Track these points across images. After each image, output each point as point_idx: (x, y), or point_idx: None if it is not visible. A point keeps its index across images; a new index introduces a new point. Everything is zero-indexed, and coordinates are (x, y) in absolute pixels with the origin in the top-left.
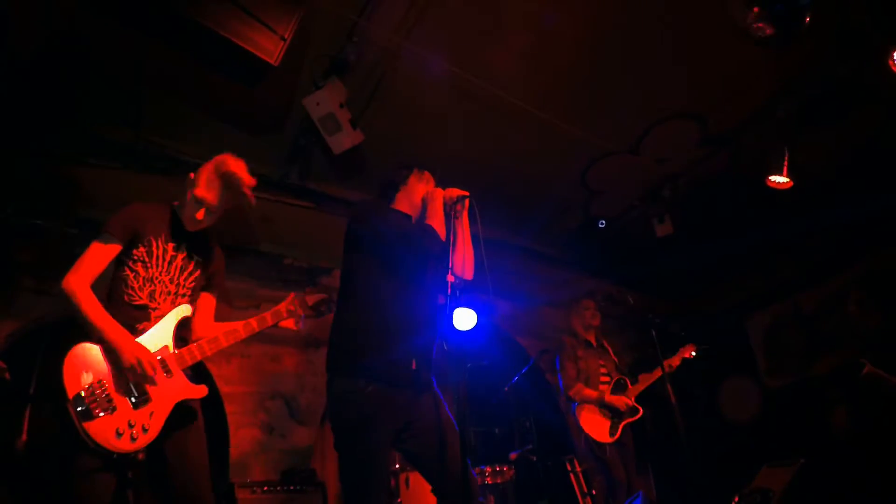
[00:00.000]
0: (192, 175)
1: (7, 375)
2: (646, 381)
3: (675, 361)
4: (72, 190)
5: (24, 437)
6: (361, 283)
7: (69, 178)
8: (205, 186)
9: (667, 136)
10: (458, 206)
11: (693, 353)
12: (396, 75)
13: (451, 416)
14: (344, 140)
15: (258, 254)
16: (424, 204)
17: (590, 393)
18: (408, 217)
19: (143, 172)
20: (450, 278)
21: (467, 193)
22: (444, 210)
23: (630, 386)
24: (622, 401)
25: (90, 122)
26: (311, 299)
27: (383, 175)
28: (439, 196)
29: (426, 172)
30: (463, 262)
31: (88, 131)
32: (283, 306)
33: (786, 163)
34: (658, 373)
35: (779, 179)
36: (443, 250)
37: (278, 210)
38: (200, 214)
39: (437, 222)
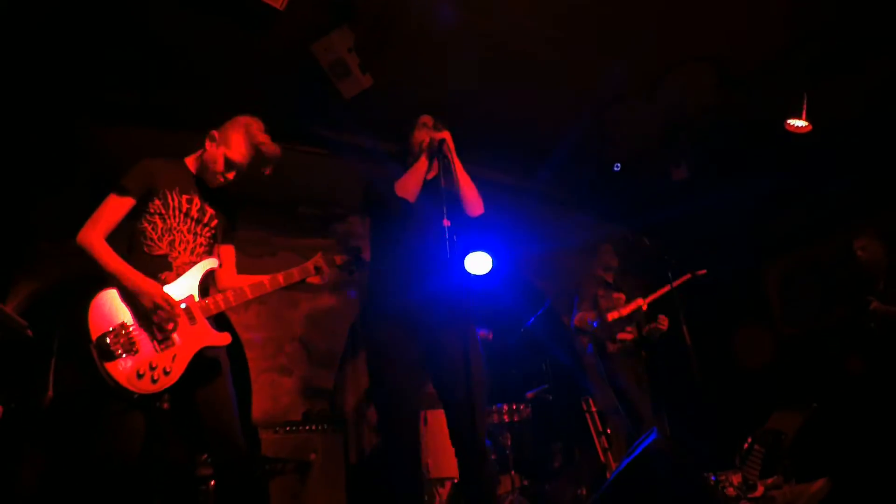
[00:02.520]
0: (215, 133)
1: (29, 332)
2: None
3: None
4: (84, 150)
5: (51, 392)
6: (379, 235)
7: (82, 139)
8: (238, 152)
9: (684, 78)
10: (445, 149)
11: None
12: (406, 18)
13: (479, 355)
14: (353, 85)
15: (272, 203)
16: (417, 156)
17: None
18: None
19: (155, 129)
20: (446, 223)
21: (445, 135)
22: (429, 156)
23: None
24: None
25: (100, 82)
26: (340, 259)
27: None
28: (424, 146)
29: (421, 118)
30: (466, 200)
31: (99, 92)
32: (311, 264)
33: (805, 107)
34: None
35: (798, 124)
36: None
37: (291, 158)
38: (232, 175)
39: (408, 176)
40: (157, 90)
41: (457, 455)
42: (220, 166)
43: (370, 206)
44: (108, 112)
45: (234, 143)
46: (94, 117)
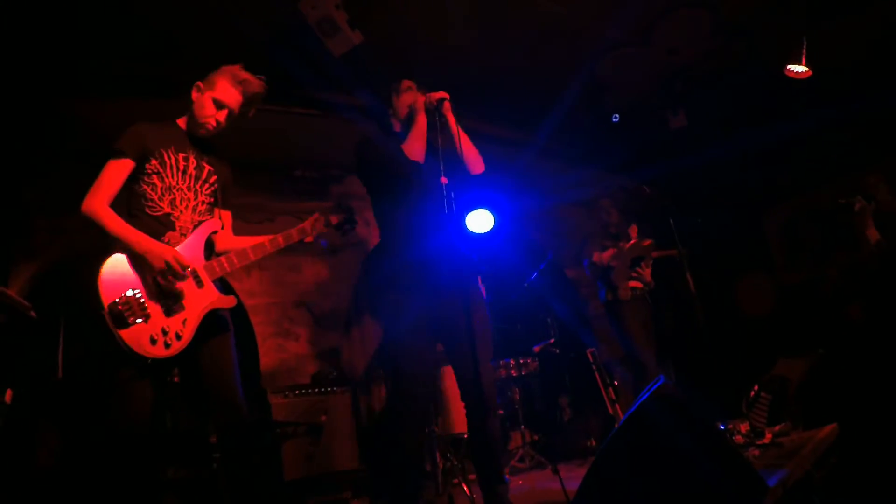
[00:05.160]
0: (200, 84)
1: (33, 314)
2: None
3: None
4: (75, 124)
5: (60, 373)
6: (379, 196)
7: (72, 113)
8: (224, 91)
9: (678, 25)
10: (443, 110)
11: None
12: None
13: (483, 311)
14: (343, 42)
15: (268, 167)
16: (409, 118)
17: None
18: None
19: (144, 99)
20: (443, 180)
21: (445, 95)
22: (428, 116)
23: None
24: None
25: (85, 53)
26: (335, 218)
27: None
28: (420, 106)
29: (403, 82)
30: (466, 158)
31: (86, 64)
32: (307, 224)
33: (804, 52)
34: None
35: (797, 69)
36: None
37: (285, 121)
38: (223, 116)
39: (414, 138)
40: (146, 59)
41: (465, 409)
42: (209, 109)
43: (369, 168)
44: (96, 84)
45: (220, 84)
46: (82, 89)
